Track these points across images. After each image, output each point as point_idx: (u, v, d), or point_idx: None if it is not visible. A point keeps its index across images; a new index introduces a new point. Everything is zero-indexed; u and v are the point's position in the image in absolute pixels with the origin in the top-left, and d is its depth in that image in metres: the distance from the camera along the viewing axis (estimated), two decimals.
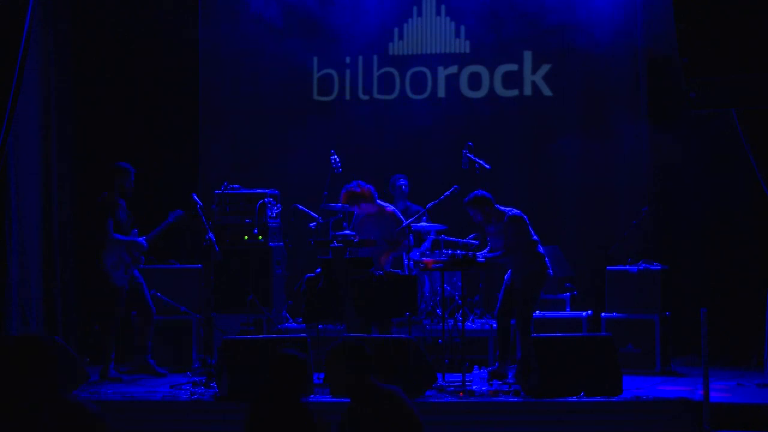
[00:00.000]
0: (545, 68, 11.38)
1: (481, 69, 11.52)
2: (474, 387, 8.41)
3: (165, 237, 9.76)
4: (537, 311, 9.84)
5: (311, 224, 10.00)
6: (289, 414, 5.00)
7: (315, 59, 11.74)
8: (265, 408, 5.05)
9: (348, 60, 11.72)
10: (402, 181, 10.76)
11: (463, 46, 11.56)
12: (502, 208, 9.01)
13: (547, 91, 11.39)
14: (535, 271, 8.96)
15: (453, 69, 11.56)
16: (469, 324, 9.60)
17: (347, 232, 9.47)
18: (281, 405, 5.03)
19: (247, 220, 10.20)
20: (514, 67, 11.45)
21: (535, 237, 9.05)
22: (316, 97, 11.80)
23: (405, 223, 9.52)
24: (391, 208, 9.82)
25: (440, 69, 11.59)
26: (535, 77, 11.41)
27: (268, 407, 5.04)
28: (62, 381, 8.18)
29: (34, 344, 4.64)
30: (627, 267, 9.61)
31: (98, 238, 9.35)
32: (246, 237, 10.15)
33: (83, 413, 4.49)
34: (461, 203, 9.14)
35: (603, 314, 9.59)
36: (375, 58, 11.68)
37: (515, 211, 9.01)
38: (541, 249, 9.06)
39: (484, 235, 9.28)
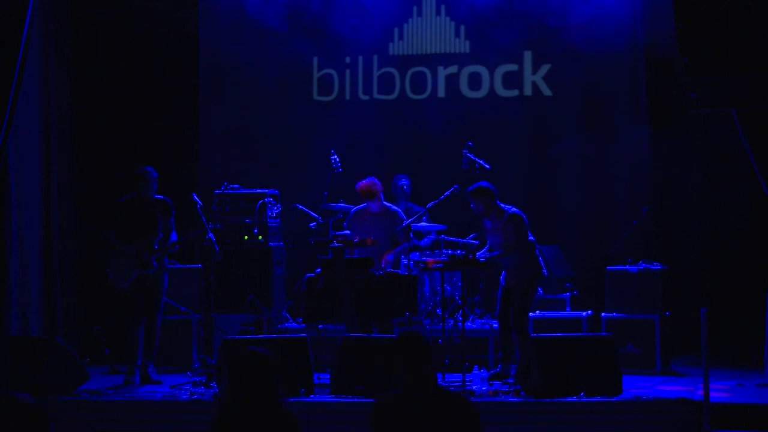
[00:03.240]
0: (545, 68, 11.38)
1: (481, 69, 11.52)
2: (474, 387, 8.42)
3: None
4: (537, 311, 9.86)
5: (311, 224, 10.01)
6: (264, 416, 4.61)
7: (315, 59, 11.74)
8: (239, 412, 4.63)
9: (348, 60, 11.72)
10: (404, 182, 10.77)
11: (463, 46, 11.56)
12: (502, 205, 9.00)
13: (547, 91, 11.39)
14: (531, 272, 8.95)
15: (453, 69, 11.56)
16: (469, 324, 9.60)
17: (347, 232, 9.48)
18: (255, 407, 4.62)
19: (247, 220, 10.21)
20: (514, 67, 11.45)
21: (532, 238, 9.04)
22: (316, 97, 11.80)
23: (405, 222, 9.52)
24: (394, 208, 9.82)
25: (440, 69, 11.59)
26: (535, 77, 11.41)
27: (242, 411, 4.63)
28: (60, 380, 8.25)
29: None
30: (627, 267, 9.61)
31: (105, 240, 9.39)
32: (246, 237, 10.15)
33: (18, 406, 4.29)
34: (461, 203, 9.14)
35: (603, 314, 9.59)
36: (375, 58, 11.67)
37: (515, 209, 9.00)
38: (537, 250, 9.06)
39: (483, 233, 9.27)
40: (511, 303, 8.93)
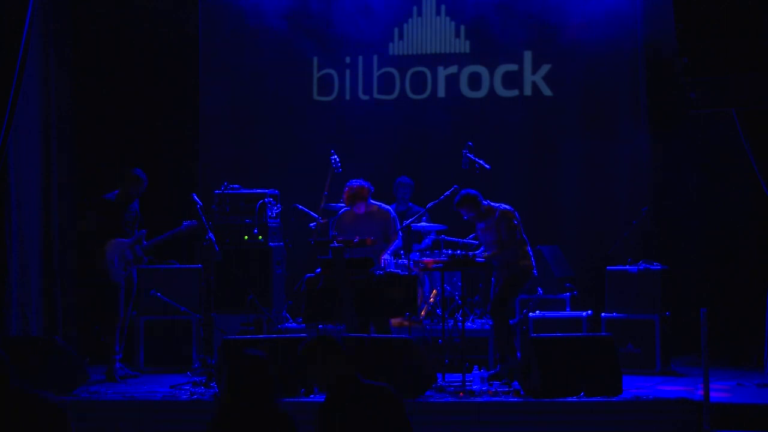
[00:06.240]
0: (545, 68, 11.37)
1: (481, 69, 11.51)
2: (474, 387, 8.41)
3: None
4: (537, 311, 9.86)
5: (311, 224, 10.01)
6: (261, 417, 4.66)
7: (315, 59, 11.74)
8: (236, 413, 4.69)
9: (348, 60, 11.71)
10: (405, 182, 10.77)
11: (463, 46, 11.55)
12: (492, 204, 9.01)
13: (547, 91, 11.39)
14: (522, 267, 8.93)
15: (453, 69, 11.55)
16: (469, 324, 9.59)
17: (335, 232, 9.49)
18: (251, 408, 4.67)
19: (247, 220, 10.21)
20: (514, 67, 11.44)
21: (524, 236, 9.04)
22: (316, 97, 11.79)
23: (405, 223, 9.52)
24: (384, 207, 9.81)
25: (440, 69, 11.58)
26: (535, 77, 11.41)
27: (239, 412, 4.68)
28: (60, 380, 8.25)
29: None
30: (627, 267, 9.60)
31: (100, 235, 9.40)
32: (246, 237, 10.15)
33: (41, 404, 4.38)
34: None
35: (603, 314, 9.59)
36: (375, 58, 11.67)
37: (505, 206, 9.02)
38: (529, 249, 9.05)
39: (478, 234, 9.27)
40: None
